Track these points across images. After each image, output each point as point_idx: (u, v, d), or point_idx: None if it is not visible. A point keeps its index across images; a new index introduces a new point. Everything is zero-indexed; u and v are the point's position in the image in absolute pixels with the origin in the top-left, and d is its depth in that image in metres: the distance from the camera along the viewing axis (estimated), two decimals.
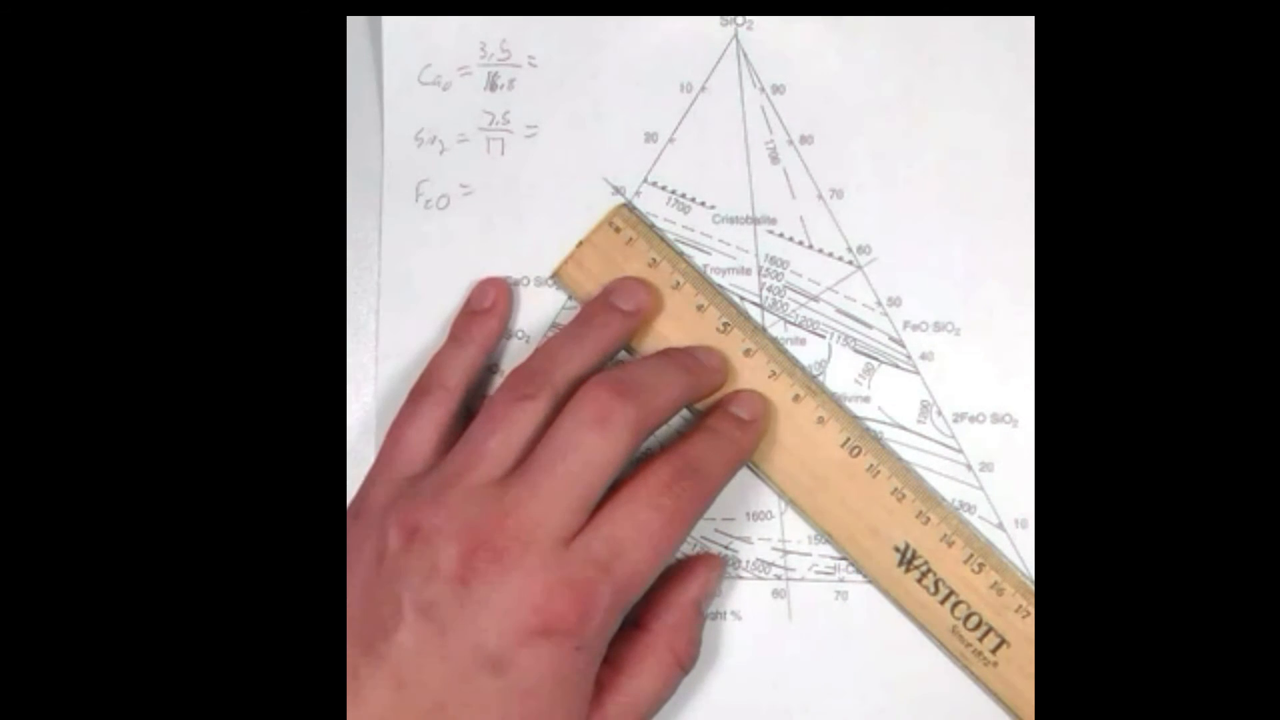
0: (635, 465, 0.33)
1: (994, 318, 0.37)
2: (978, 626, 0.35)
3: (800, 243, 0.37)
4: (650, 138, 0.38)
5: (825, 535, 0.36)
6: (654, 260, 0.37)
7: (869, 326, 0.37)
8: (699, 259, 0.37)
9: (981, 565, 0.35)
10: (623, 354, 0.36)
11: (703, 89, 0.38)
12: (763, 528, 0.36)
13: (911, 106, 0.37)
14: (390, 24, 0.38)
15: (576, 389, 0.32)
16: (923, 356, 0.37)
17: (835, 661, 0.36)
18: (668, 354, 0.35)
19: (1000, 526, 0.36)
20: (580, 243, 0.37)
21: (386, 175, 0.38)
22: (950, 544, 0.35)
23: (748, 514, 0.37)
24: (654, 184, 0.38)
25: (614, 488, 0.32)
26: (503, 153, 0.38)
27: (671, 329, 0.36)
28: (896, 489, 0.35)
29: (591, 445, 0.31)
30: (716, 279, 0.37)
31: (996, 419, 0.36)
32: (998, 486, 0.36)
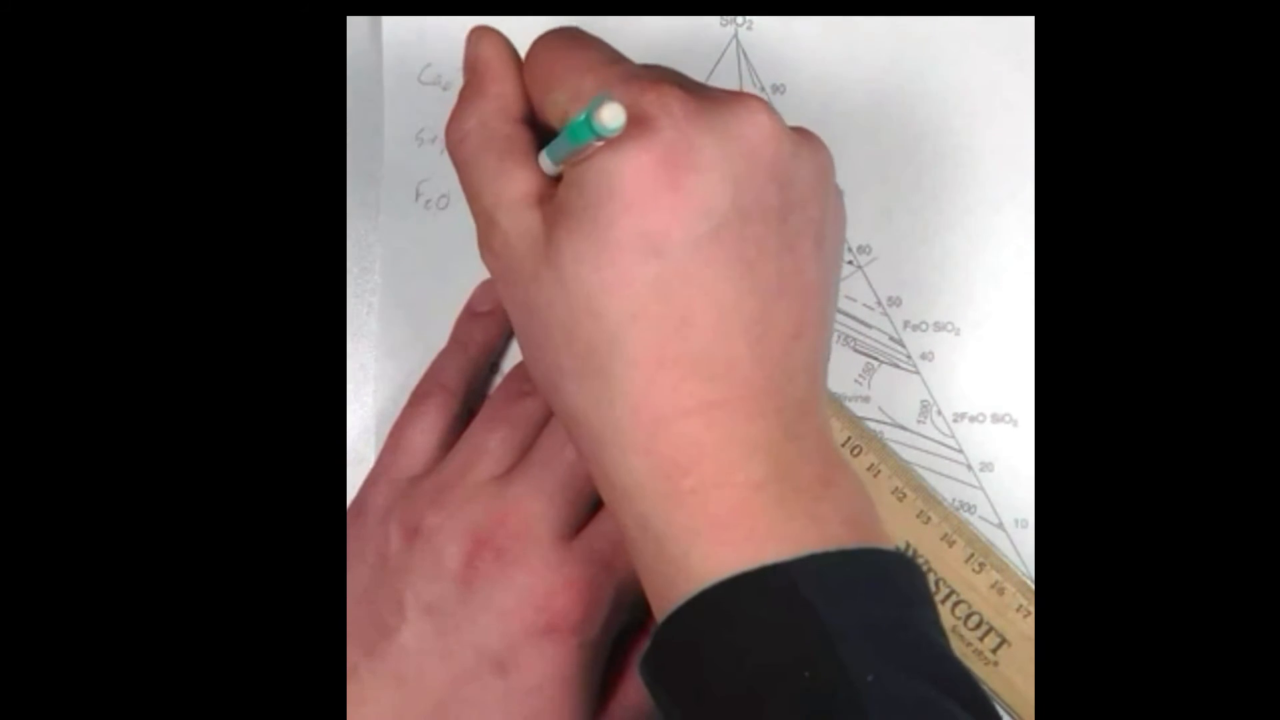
0: None
1: (994, 318, 0.37)
2: (978, 626, 0.35)
3: None
4: None
5: None
6: None
7: (869, 326, 0.37)
8: None
9: (982, 565, 0.35)
10: None
11: None
12: None
13: (911, 106, 0.37)
14: (390, 24, 0.38)
15: None
16: (923, 356, 0.37)
17: None
18: None
19: (1000, 526, 0.36)
20: None
21: (386, 175, 0.38)
22: (951, 544, 0.35)
23: None
24: None
25: None
26: None
27: None
28: (897, 489, 0.35)
29: None
30: None
31: (996, 419, 0.36)
32: (997, 486, 0.36)
